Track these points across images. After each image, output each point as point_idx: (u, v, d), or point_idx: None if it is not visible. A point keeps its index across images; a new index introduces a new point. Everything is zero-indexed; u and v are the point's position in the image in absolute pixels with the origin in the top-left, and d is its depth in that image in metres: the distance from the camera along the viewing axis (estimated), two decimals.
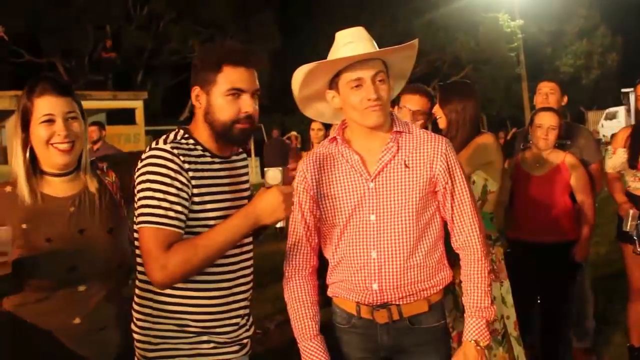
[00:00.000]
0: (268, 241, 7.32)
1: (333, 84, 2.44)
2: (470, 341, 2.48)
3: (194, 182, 2.20)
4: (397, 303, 2.46)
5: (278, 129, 17.89)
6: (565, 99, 4.87)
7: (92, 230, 2.27)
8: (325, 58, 2.41)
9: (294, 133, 15.11)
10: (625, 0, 34.45)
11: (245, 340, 2.41)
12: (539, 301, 4.34)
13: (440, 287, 2.54)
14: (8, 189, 2.25)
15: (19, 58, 22.42)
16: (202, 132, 2.30)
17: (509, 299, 3.58)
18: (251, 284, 2.42)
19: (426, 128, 3.94)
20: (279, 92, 20.51)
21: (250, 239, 2.39)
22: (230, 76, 2.21)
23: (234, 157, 2.41)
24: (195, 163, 2.23)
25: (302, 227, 2.53)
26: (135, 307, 2.33)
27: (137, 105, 20.60)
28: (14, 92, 18.08)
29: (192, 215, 2.20)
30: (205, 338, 2.28)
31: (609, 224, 5.82)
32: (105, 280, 2.30)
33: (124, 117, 20.38)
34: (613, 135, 4.85)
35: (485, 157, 3.57)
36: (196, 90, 2.27)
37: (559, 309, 4.25)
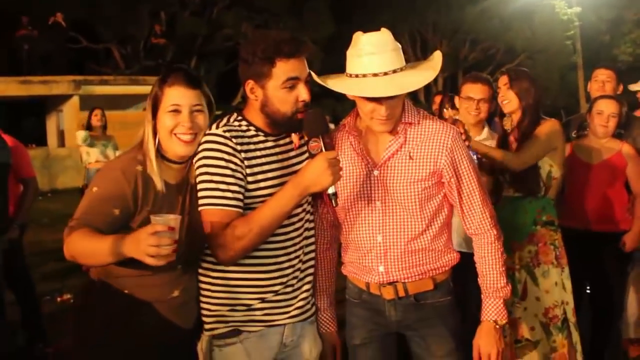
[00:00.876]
0: None
1: None
2: (490, 321, 2.55)
3: (246, 162, 2.30)
4: (403, 281, 2.53)
5: (329, 115, 17.91)
6: (621, 87, 4.81)
7: (194, 215, 2.36)
8: None
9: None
10: None
11: (300, 305, 2.51)
12: (587, 291, 4.32)
13: (447, 267, 2.61)
14: (139, 168, 2.31)
15: (77, 44, 22.86)
16: (256, 116, 2.39)
17: (569, 285, 3.60)
18: (312, 247, 2.55)
19: (491, 114, 3.99)
20: None
21: (302, 209, 2.47)
22: (284, 68, 2.29)
23: (284, 134, 2.48)
24: (249, 144, 2.33)
25: (317, 203, 2.63)
26: (201, 278, 2.47)
27: None
28: (72, 77, 18.55)
29: (248, 193, 2.31)
30: (258, 305, 2.40)
31: None
32: (196, 259, 2.44)
33: None
34: None
35: (552, 143, 3.61)
36: (250, 84, 2.35)
37: (608, 299, 4.24)
